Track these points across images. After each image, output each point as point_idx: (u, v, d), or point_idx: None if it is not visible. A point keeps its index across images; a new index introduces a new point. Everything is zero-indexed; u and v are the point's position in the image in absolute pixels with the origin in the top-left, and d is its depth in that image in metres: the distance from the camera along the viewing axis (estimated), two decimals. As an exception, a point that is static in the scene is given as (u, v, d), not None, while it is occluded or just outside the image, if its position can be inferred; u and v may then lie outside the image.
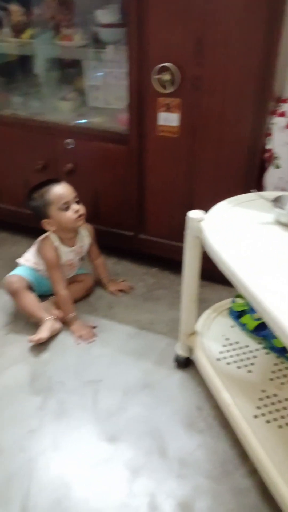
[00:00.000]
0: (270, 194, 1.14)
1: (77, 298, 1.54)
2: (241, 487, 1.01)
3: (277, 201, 1.04)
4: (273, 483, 0.91)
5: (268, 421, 1.03)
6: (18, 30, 1.63)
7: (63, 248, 1.46)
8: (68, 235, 1.46)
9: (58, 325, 1.42)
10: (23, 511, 0.96)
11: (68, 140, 1.59)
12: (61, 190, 1.39)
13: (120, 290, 1.60)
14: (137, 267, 1.74)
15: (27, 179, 1.74)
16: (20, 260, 1.53)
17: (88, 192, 1.61)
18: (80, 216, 1.41)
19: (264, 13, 1.13)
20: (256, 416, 1.03)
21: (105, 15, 1.54)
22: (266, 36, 1.16)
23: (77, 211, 1.40)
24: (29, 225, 1.85)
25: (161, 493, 1.00)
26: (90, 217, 1.63)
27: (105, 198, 1.62)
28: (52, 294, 1.51)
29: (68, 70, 1.74)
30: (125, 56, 1.36)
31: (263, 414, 1.04)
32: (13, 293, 1.44)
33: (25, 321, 1.47)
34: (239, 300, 1.31)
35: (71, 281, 1.55)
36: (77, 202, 1.42)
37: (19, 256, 1.56)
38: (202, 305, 1.49)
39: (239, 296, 1.32)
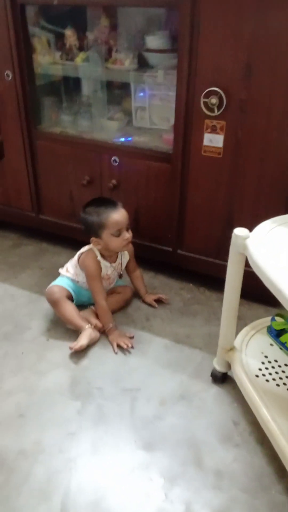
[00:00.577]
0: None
1: (115, 309, 1.59)
2: (278, 502, 1.01)
3: None
4: None
5: None
6: (72, 53, 1.73)
7: (104, 263, 1.52)
8: (111, 253, 1.53)
9: (97, 333, 1.47)
10: (63, 508, 1.00)
11: (113, 157, 1.66)
12: (118, 217, 1.43)
13: (157, 300, 1.64)
14: (173, 282, 1.78)
15: (72, 193, 1.83)
16: (61, 271, 1.60)
17: (130, 207, 1.66)
18: (128, 243, 1.48)
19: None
20: None
21: (155, 41, 1.63)
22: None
23: (126, 239, 1.46)
24: (70, 237, 1.93)
25: (197, 502, 1.01)
26: (133, 231, 1.69)
27: (146, 213, 1.68)
28: (90, 304, 1.56)
29: (116, 91, 1.83)
30: (173, 79, 1.43)
31: None
32: (54, 303, 1.50)
33: (65, 328, 1.52)
34: (279, 319, 1.33)
35: (110, 292, 1.60)
36: (127, 229, 1.48)
37: (60, 265, 1.62)
38: (239, 322, 1.50)
39: (279, 315, 1.34)
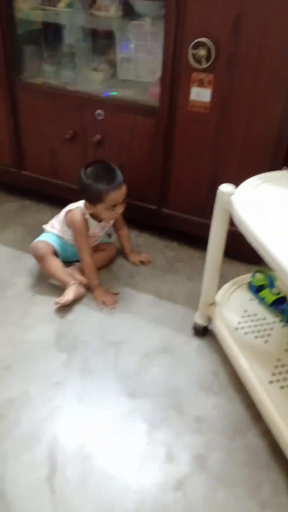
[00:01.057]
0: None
1: (100, 266, 1.60)
2: (253, 445, 1.08)
3: None
4: (285, 441, 0.98)
5: (282, 387, 1.09)
6: (54, -2, 1.64)
7: (92, 221, 1.52)
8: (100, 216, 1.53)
9: (82, 289, 1.48)
10: (51, 453, 1.05)
11: (98, 111, 1.62)
12: (118, 196, 1.43)
13: (141, 262, 1.66)
14: (157, 240, 1.79)
15: (55, 148, 1.78)
16: (46, 227, 1.59)
17: (114, 163, 1.64)
18: (116, 216, 1.52)
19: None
20: (271, 382, 1.10)
21: (142, -13, 1.55)
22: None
23: (118, 213, 1.49)
24: (53, 194, 1.91)
25: (178, 444, 1.08)
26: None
27: (130, 170, 1.66)
28: (76, 261, 1.57)
29: (101, 41, 1.75)
30: (160, 30, 1.38)
31: (277, 381, 1.10)
32: (40, 258, 1.50)
33: (49, 284, 1.54)
34: (259, 275, 1.37)
35: (95, 249, 1.61)
36: (122, 202, 1.47)
37: (43, 223, 1.61)
38: (220, 279, 1.54)
39: (259, 271, 1.38)
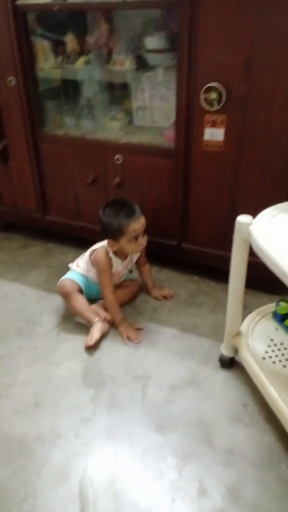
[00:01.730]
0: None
1: (123, 302, 1.64)
2: (287, 476, 1.05)
3: None
4: None
5: None
6: (73, 57, 1.79)
7: (115, 260, 1.57)
8: (124, 252, 1.58)
9: (106, 325, 1.51)
10: (81, 488, 1.04)
11: (116, 156, 1.71)
12: (138, 226, 1.48)
13: (164, 297, 1.69)
14: (179, 275, 1.82)
15: (77, 192, 1.88)
16: (72, 266, 1.64)
17: (135, 202, 1.72)
18: (142, 247, 1.55)
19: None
20: None
21: (153, 42, 1.68)
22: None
23: (142, 245, 1.53)
24: (76, 235, 1.98)
25: (209, 478, 1.05)
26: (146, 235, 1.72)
27: (150, 209, 1.73)
28: (99, 299, 1.61)
29: (117, 92, 1.88)
30: (172, 78, 1.48)
31: None
32: (66, 295, 1.55)
33: (74, 322, 1.57)
34: (283, 304, 1.37)
35: (118, 286, 1.65)
36: (143, 235, 1.53)
37: (67, 264, 1.67)
38: (244, 310, 1.54)
39: (283, 300, 1.38)
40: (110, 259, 1.55)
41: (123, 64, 1.70)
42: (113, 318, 1.53)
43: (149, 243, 1.68)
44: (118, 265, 1.59)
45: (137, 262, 1.68)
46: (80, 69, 1.78)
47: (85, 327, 1.52)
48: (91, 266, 1.59)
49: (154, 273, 1.81)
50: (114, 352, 1.44)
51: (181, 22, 1.36)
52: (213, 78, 1.38)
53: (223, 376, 1.34)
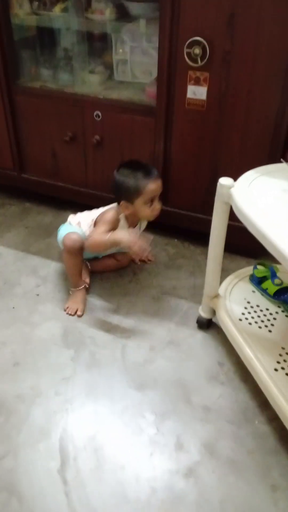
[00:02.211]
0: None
1: (106, 271, 1.61)
2: (261, 432, 1.10)
3: None
4: None
5: (287, 374, 1.11)
6: (49, 3, 1.67)
7: (123, 224, 1.46)
8: (134, 219, 1.48)
9: (86, 294, 1.50)
10: (62, 445, 1.06)
11: (96, 112, 1.65)
12: (156, 187, 1.38)
13: (143, 261, 1.68)
14: (158, 238, 1.81)
15: (54, 150, 1.81)
16: (73, 221, 1.52)
17: (113, 163, 1.67)
18: (157, 213, 1.44)
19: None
20: (276, 370, 1.11)
21: (136, -10, 1.59)
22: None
23: (157, 209, 1.42)
24: (54, 196, 1.93)
25: (186, 433, 1.09)
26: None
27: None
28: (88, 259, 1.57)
29: (97, 43, 1.79)
30: (154, 31, 1.40)
31: (282, 368, 1.12)
32: (72, 252, 1.41)
33: (54, 283, 1.56)
34: (260, 267, 1.39)
35: (109, 256, 1.60)
36: (158, 199, 1.43)
37: (45, 224, 1.63)
38: (222, 273, 1.56)
39: (261, 263, 1.40)
40: (118, 220, 1.44)
41: (103, 13, 1.60)
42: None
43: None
44: (122, 229, 1.46)
45: None
46: (57, 16, 1.68)
47: (65, 288, 1.51)
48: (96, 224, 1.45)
49: (134, 235, 1.79)
50: (94, 313, 1.45)
51: None
52: (197, 32, 1.32)
53: (200, 337, 1.37)
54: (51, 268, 1.63)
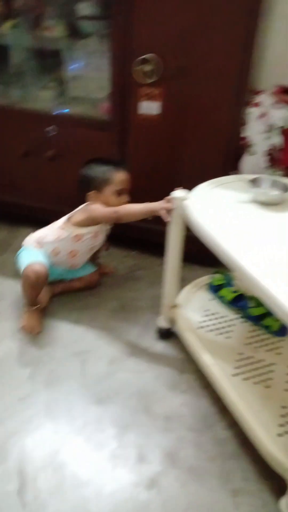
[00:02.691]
0: (247, 176, 1.25)
1: (71, 291, 1.56)
2: (222, 437, 1.11)
3: (254, 182, 1.16)
4: (251, 430, 1.00)
5: (245, 379, 1.12)
6: (-1, 20, 1.68)
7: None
8: None
9: (42, 312, 1.46)
10: (20, 466, 1.02)
11: (49, 127, 1.65)
12: (125, 177, 1.41)
13: (105, 273, 1.67)
14: (117, 251, 1.81)
15: (8, 165, 1.79)
16: (28, 243, 1.46)
17: (70, 176, 1.66)
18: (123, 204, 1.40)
19: (245, 10, 1.23)
20: (234, 375, 1.13)
21: (86, 8, 1.62)
22: (245, 31, 1.26)
23: (124, 201, 1.40)
24: (8, 212, 1.90)
25: (148, 445, 1.08)
26: (74, 202, 1.70)
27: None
28: (57, 281, 1.53)
29: (49, 60, 1.79)
30: (106, 48, 1.43)
31: (240, 373, 1.14)
32: (35, 285, 1.36)
33: (8, 302, 1.52)
34: (217, 276, 1.42)
35: (78, 279, 1.57)
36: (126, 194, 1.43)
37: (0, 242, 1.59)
38: (181, 283, 1.58)
39: (217, 272, 1.43)
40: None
41: (54, 30, 1.62)
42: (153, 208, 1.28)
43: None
44: (100, 226, 1.45)
45: None
46: (7, 33, 1.68)
47: (20, 306, 1.47)
48: (66, 233, 1.42)
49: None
50: (52, 329, 1.42)
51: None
52: (149, 49, 1.36)
53: (161, 347, 1.37)
54: (4, 285, 1.59)
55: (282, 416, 1.03)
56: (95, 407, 1.18)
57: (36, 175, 1.76)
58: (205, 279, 1.48)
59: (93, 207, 1.41)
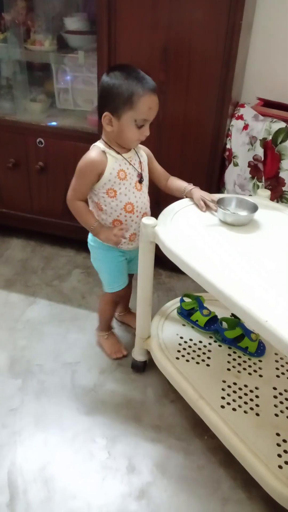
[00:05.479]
0: (213, 196, 1.18)
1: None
2: (210, 447, 1.12)
3: (220, 203, 1.13)
4: (251, 467, 0.96)
5: (234, 409, 1.08)
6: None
7: (112, 154, 1.12)
8: (120, 146, 1.14)
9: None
10: (10, 479, 1.03)
11: (38, 139, 1.66)
12: (152, 103, 1.06)
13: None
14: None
15: (-3, 177, 1.80)
16: None
17: (59, 188, 1.69)
18: (141, 141, 1.14)
19: (224, 27, 1.27)
20: (223, 406, 1.08)
21: (74, 23, 1.65)
22: (225, 46, 1.29)
23: (145, 135, 1.11)
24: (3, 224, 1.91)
25: (138, 455, 1.09)
26: (61, 213, 1.72)
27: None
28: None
29: (38, 73, 1.82)
30: (94, 62, 1.46)
31: (228, 403, 1.09)
32: (114, 309, 1.41)
33: None
34: (187, 299, 1.37)
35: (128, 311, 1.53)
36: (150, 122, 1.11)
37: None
38: (170, 293, 1.62)
39: (186, 295, 1.38)
40: (103, 160, 1.11)
41: (43, 44, 1.64)
42: (88, 227, 1.17)
43: (76, 229, 1.66)
44: (119, 162, 1.13)
45: (159, 180, 1.28)
46: (-4, 47, 1.70)
47: (11, 317, 1.48)
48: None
49: (83, 260, 1.80)
50: (42, 341, 1.43)
51: (99, 7, 1.34)
52: (133, 64, 1.38)
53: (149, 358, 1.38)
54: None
55: (279, 445, 1.00)
56: (85, 417, 1.19)
57: (26, 186, 1.77)
58: (173, 304, 1.40)
59: (78, 166, 1.14)
